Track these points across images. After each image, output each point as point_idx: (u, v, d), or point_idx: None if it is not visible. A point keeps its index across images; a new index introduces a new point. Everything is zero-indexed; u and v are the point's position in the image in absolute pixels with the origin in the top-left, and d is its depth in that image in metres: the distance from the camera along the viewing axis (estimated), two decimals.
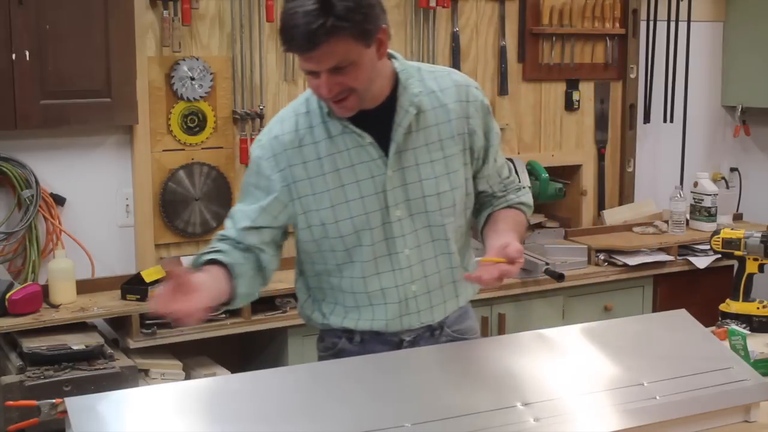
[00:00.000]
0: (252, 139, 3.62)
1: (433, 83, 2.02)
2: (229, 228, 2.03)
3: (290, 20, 1.79)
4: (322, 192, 1.98)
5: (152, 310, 1.74)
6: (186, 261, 3.54)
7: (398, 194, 1.98)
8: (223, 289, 1.92)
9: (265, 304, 3.32)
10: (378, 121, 1.96)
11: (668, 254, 4.05)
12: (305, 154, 1.97)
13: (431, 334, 2.10)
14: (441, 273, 2.06)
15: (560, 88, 4.34)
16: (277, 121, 2.04)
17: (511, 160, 3.89)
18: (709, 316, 2.55)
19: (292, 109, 2.04)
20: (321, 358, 2.16)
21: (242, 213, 2.03)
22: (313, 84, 1.89)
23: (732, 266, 3.33)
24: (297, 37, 1.79)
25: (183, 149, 3.55)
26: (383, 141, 1.97)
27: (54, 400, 1.56)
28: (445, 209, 2.02)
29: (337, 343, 2.10)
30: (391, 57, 2.00)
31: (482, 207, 2.16)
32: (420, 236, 2.02)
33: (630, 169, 4.53)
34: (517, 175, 2.24)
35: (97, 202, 3.44)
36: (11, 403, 1.55)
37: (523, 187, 2.22)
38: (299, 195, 1.99)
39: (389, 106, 1.96)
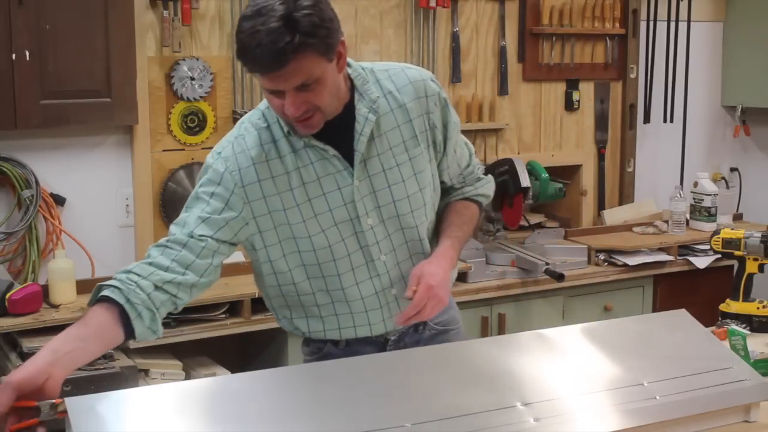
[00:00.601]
0: None
1: (388, 83, 1.99)
2: (177, 233, 1.92)
3: (252, 40, 1.73)
4: (293, 207, 1.93)
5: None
6: None
7: (368, 203, 1.96)
8: (110, 338, 1.80)
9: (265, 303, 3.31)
10: (339, 131, 1.92)
11: (668, 254, 4.05)
12: (272, 169, 1.92)
13: (415, 329, 2.10)
14: None
15: (560, 88, 4.34)
16: (237, 135, 1.96)
17: (511, 160, 3.92)
18: (709, 316, 2.55)
19: (249, 123, 1.96)
20: (307, 362, 2.14)
21: (197, 219, 1.91)
22: (276, 104, 1.83)
23: (732, 266, 3.33)
24: (262, 57, 1.73)
25: (183, 149, 3.55)
26: (346, 151, 1.93)
27: (54, 401, 1.56)
28: (416, 210, 2.01)
29: (323, 348, 2.10)
30: (347, 66, 1.96)
31: (441, 198, 2.14)
32: (394, 240, 2.01)
33: (630, 169, 4.53)
34: (478, 164, 2.22)
35: (97, 202, 3.44)
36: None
37: (483, 177, 2.20)
38: (269, 210, 1.93)
39: (349, 114, 1.93)
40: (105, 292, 1.78)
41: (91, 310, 1.79)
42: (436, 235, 2.10)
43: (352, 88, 1.95)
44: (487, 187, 2.21)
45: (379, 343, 2.08)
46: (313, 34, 1.75)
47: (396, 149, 1.97)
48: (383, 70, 2.02)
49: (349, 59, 1.96)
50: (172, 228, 1.95)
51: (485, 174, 2.24)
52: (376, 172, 1.96)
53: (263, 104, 1.97)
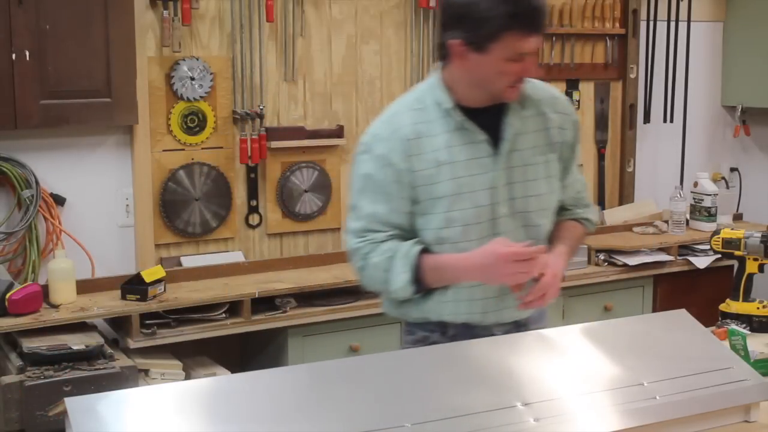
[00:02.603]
0: (252, 139, 3.62)
1: (532, 92, 2.15)
2: (384, 229, 2.09)
3: (537, 2, 1.98)
4: (438, 183, 2.06)
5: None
6: (187, 261, 3.55)
7: (504, 192, 2.09)
8: None
9: (265, 304, 3.32)
10: (489, 121, 2.08)
11: (668, 254, 4.05)
12: (423, 146, 2.06)
13: (517, 330, 2.17)
14: None
15: (560, 88, 4.33)
16: (392, 115, 2.12)
17: None
18: (709, 316, 2.55)
19: (403, 106, 2.13)
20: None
21: (389, 215, 2.09)
22: (514, 69, 2.00)
23: (732, 266, 3.33)
24: (539, 17, 1.98)
25: (183, 149, 3.55)
26: (493, 140, 2.08)
27: None
28: (543, 211, 2.14)
29: (429, 337, 2.17)
30: None
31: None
32: (519, 234, 2.10)
33: (630, 169, 4.53)
34: (587, 194, 2.39)
35: (97, 202, 3.44)
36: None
37: (590, 205, 2.33)
38: (419, 185, 2.06)
39: (499, 108, 2.09)
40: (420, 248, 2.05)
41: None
42: (549, 244, 2.18)
43: None
44: (594, 214, 2.34)
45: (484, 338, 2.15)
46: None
47: (534, 150, 2.12)
48: (531, 80, 2.16)
49: None
50: (372, 225, 2.10)
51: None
52: (516, 165, 2.09)
53: (419, 90, 2.14)
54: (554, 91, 2.23)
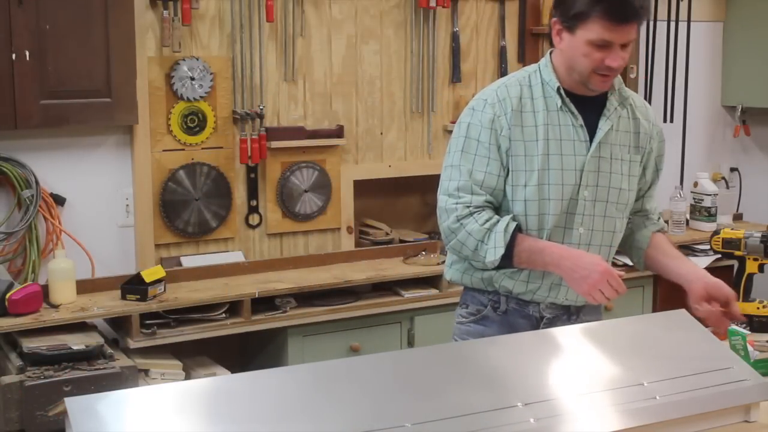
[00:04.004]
0: (252, 139, 3.62)
1: (631, 99, 2.31)
2: (480, 192, 2.19)
3: None
4: (532, 156, 2.18)
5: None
6: (186, 261, 3.55)
7: (590, 177, 2.21)
8: None
9: (265, 304, 3.32)
10: (589, 109, 2.22)
11: None
12: (524, 119, 2.20)
13: (568, 317, 2.27)
14: None
15: None
16: (502, 85, 2.26)
17: None
18: None
19: (515, 79, 2.26)
20: (462, 324, 2.34)
21: (487, 176, 2.19)
22: (596, 57, 2.11)
23: (732, 266, 3.33)
24: (628, 9, 2.07)
25: (183, 149, 3.55)
26: (590, 128, 2.22)
27: None
28: (621, 204, 2.27)
29: (482, 310, 2.30)
30: None
31: (638, 227, 2.40)
32: (596, 222, 2.24)
33: None
34: None
35: (97, 202, 3.44)
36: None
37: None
38: (514, 154, 2.19)
39: (601, 100, 2.23)
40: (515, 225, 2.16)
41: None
42: (669, 265, 2.39)
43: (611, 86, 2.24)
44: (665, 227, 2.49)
45: (533, 320, 2.27)
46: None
47: (623, 148, 2.26)
48: (626, 88, 2.33)
49: None
50: (467, 186, 2.19)
51: None
52: (606, 156, 2.23)
53: (530, 68, 2.28)
54: (644, 102, 2.39)
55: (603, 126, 2.22)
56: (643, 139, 2.30)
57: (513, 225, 2.16)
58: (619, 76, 2.27)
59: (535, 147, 2.19)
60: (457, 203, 2.17)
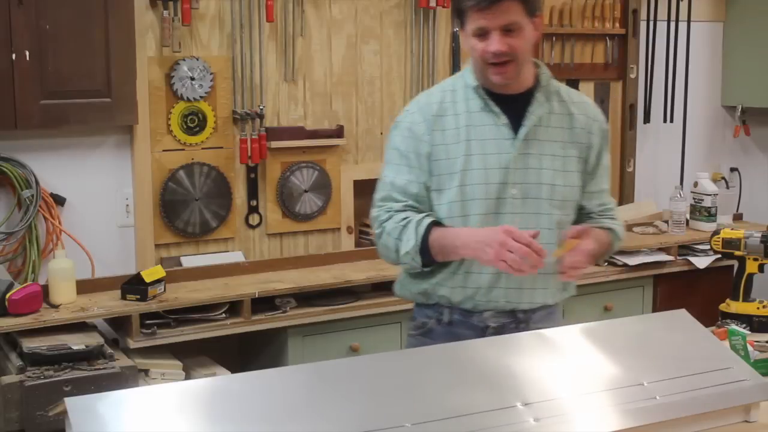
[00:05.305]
0: (252, 139, 3.62)
1: (566, 95, 2.28)
2: (401, 199, 2.21)
3: None
4: (454, 158, 2.18)
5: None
6: (186, 261, 3.55)
7: (518, 175, 2.18)
8: None
9: (265, 304, 3.32)
10: (515, 107, 2.20)
11: (668, 254, 4.05)
12: (445, 123, 2.21)
13: (516, 326, 2.22)
14: None
15: None
16: (425, 94, 2.30)
17: None
18: (709, 316, 2.55)
19: (439, 87, 2.30)
20: (411, 337, 2.34)
21: (407, 183, 2.21)
22: (480, 46, 2.12)
23: (732, 266, 3.33)
24: None
25: (183, 149, 3.55)
26: (516, 126, 2.19)
27: None
28: (555, 201, 2.21)
29: (427, 323, 2.28)
30: (537, 65, 2.26)
31: (578, 223, 2.29)
32: (528, 220, 2.18)
33: (630, 169, 4.53)
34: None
35: (97, 202, 3.44)
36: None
37: (618, 221, 2.38)
38: (436, 158, 2.19)
39: (527, 98, 2.21)
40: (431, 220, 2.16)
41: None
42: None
43: (537, 81, 2.23)
44: (622, 230, 2.38)
45: (478, 330, 2.22)
46: None
47: (555, 144, 2.22)
48: (564, 85, 2.32)
49: (542, 65, 2.27)
50: (392, 195, 2.22)
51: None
52: (534, 152, 2.20)
53: (458, 73, 2.28)
54: (585, 98, 2.34)
55: (527, 122, 2.19)
56: (579, 134, 2.25)
57: (427, 220, 2.16)
58: (547, 71, 2.26)
59: (456, 149, 2.18)
60: (380, 210, 2.23)
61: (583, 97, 2.33)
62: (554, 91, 2.25)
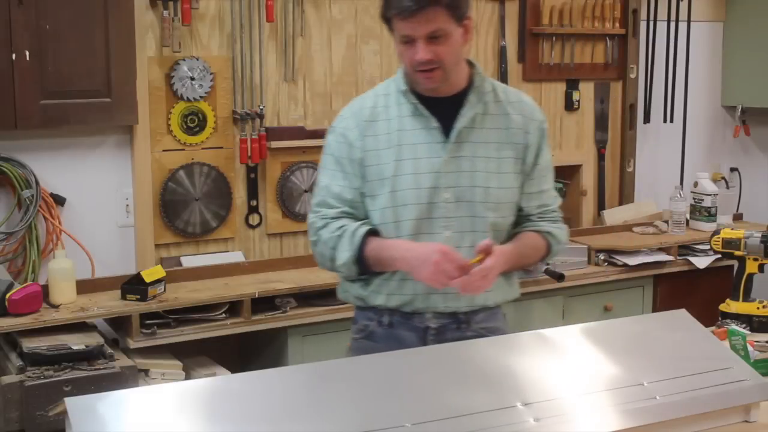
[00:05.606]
0: (252, 139, 3.62)
1: (502, 94, 2.24)
2: (336, 205, 2.19)
3: None
4: (386, 164, 2.15)
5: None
6: (186, 261, 3.55)
7: (450, 179, 2.15)
8: None
9: (265, 304, 3.32)
10: (447, 110, 2.16)
11: (668, 254, 4.05)
12: (377, 128, 2.18)
13: (457, 326, 2.20)
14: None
15: (560, 88, 4.34)
16: (359, 99, 2.28)
17: None
18: (709, 316, 2.55)
19: (372, 91, 2.28)
20: (354, 341, 2.32)
21: (342, 189, 2.20)
22: (407, 54, 2.09)
23: (732, 266, 3.33)
24: (412, 3, 2.01)
25: (183, 149, 3.55)
26: (448, 130, 2.16)
27: None
28: (490, 204, 2.17)
29: (369, 326, 2.26)
30: (472, 65, 2.22)
31: (516, 226, 2.26)
32: (463, 223, 2.16)
33: (630, 169, 4.53)
34: (559, 213, 2.37)
35: (97, 202, 3.44)
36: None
37: (559, 222, 2.32)
38: (368, 164, 2.17)
39: (460, 100, 2.17)
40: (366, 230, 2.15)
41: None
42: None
43: (471, 82, 2.20)
44: (561, 233, 2.32)
45: (419, 331, 2.20)
46: None
47: (489, 146, 2.18)
48: (503, 86, 2.28)
49: (478, 65, 2.23)
50: (327, 201, 2.21)
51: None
52: (466, 155, 2.16)
53: (392, 78, 2.25)
54: (527, 98, 2.29)
55: (457, 125, 2.15)
56: (515, 135, 2.20)
57: (363, 229, 2.14)
58: (482, 71, 2.22)
59: (387, 154, 2.16)
60: (315, 217, 2.22)
61: (521, 96, 2.28)
62: (489, 91, 2.21)
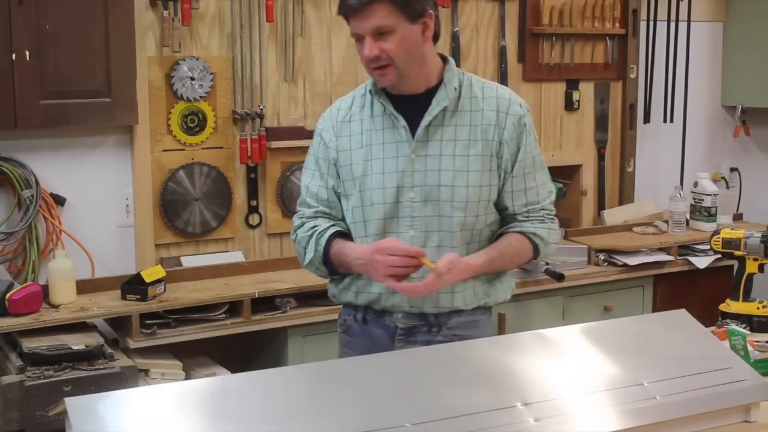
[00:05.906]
0: (252, 139, 3.63)
1: (478, 91, 2.19)
2: (314, 204, 2.24)
3: None
4: (357, 163, 2.17)
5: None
6: (186, 261, 3.55)
7: (417, 177, 2.14)
8: None
9: (265, 304, 3.32)
10: (416, 109, 2.15)
11: (668, 254, 4.05)
12: (351, 128, 2.21)
13: (428, 329, 2.19)
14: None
15: (560, 88, 4.34)
16: (339, 99, 2.31)
17: None
18: (709, 316, 2.55)
19: (353, 92, 2.29)
20: (339, 333, 2.35)
21: (319, 189, 2.24)
22: (360, 51, 2.11)
23: (732, 266, 3.33)
24: (355, 2, 2.04)
25: (183, 149, 3.55)
26: (416, 129, 2.15)
27: None
28: (457, 203, 2.13)
29: (347, 321, 2.30)
30: (446, 61, 2.21)
31: (501, 226, 2.24)
32: (428, 223, 2.14)
33: (630, 169, 4.53)
34: (550, 211, 2.31)
35: (97, 202, 3.44)
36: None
37: (549, 222, 2.26)
38: (342, 164, 2.20)
39: (428, 97, 2.15)
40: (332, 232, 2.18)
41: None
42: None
43: (441, 80, 2.17)
44: (550, 233, 2.25)
45: (389, 329, 2.21)
46: None
47: (458, 143, 2.14)
48: (479, 81, 2.23)
49: (452, 61, 2.22)
50: (307, 200, 2.26)
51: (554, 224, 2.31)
52: (434, 153, 2.14)
53: (371, 78, 2.21)
54: (504, 92, 2.22)
55: (422, 123, 2.13)
56: (487, 131, 2.15)
57: (331, 230, 2.18)
58: (452, 68, 2.19)
59: (357, 155, 2.18)
60: (295, 216, 2.28)
61: (498, 91, 2.21)
62: (463, 86, 2.17)
